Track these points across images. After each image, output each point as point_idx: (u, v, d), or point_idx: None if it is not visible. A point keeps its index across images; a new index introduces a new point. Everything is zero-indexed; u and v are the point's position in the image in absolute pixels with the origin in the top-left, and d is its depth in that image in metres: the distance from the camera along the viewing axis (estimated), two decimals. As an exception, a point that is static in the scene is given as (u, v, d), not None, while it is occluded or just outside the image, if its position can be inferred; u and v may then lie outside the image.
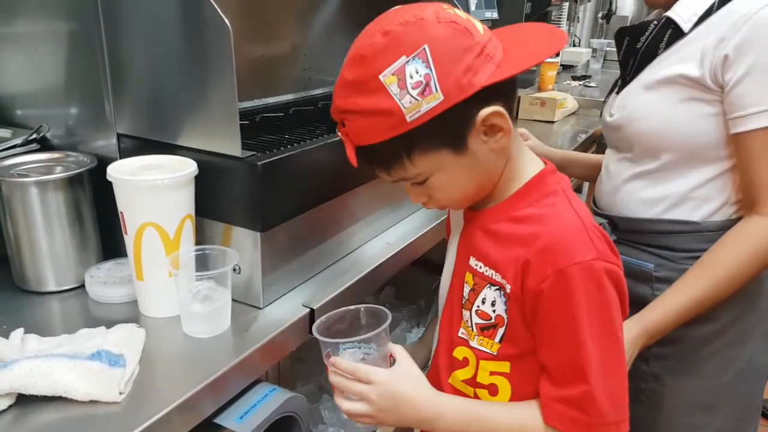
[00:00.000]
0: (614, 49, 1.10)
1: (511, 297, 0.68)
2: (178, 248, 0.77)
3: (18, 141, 0.91)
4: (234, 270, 0.82)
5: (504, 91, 0.65)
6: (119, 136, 0.87)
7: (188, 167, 0.77)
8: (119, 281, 0.85)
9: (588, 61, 3.58)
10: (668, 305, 0.92)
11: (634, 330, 0.91)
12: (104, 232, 0.91)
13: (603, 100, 1.18)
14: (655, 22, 0.95)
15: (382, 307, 0.75)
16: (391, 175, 0.69)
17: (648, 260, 1.00)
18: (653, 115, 0.95)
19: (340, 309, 0.77)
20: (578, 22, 4.07)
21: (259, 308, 0.84)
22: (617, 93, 1.05)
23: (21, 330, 0.72)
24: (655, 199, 0.99)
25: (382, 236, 1.10)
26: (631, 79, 1.00)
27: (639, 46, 0.98)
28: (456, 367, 0.76)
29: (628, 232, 1.03)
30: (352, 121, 0.64)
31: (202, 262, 0.79)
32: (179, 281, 0.76)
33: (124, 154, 0.88)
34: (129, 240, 0.77)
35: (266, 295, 0.85)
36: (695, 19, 0.90)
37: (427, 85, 0.60)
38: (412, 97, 0.60)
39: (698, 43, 0.89)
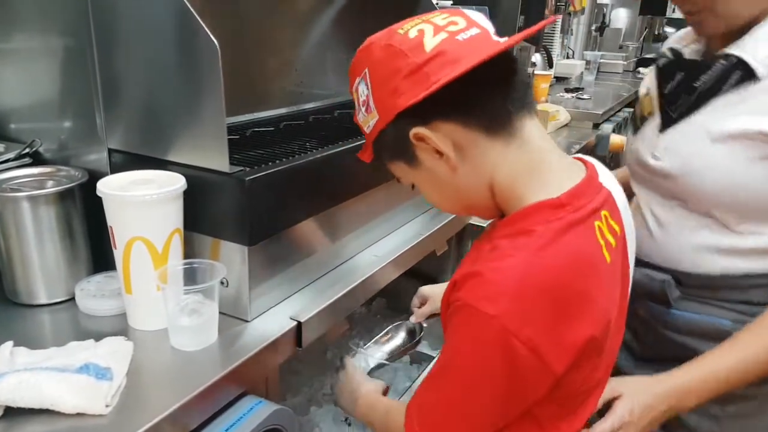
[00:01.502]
0: (610, 61, 1.11)
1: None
2: (167, 262, 0.79)
3: (11, 155, 0.92)
4: (222, 283, 0.83)
5: (454, 108, 0.63)
6: (110, 150, 0.89)
7: (177, 182, 0.78)
8: (109, 294, 0.86)
9: (581, 73, 3.62)
10: (712, 366, 0.82)
11: (660, 386, 0.82)
12: (94, 245, 0.92)
13: (632, 131, 1.04)
14: (723, 63, 0.84)
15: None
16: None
17: (723, 316, 0.90)
18: (723, 172, 0.84)
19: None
20: (572, 34, 4.11)
21: (247, 321, 0.85)
22: (660, 131, 0.93)
23: (10, 343, 0.73)
24: (732, 252, 0.88)
25: (371, 249, 1.11)
26: (680, 119, 0.89)
27: (697, 84, 0.86)
28: None
29: (697, 288, 0.93)
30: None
31: (190, 276, 0.81)
32: (167, 295, 0.78)
33: (114, 168, 0.89)
34: (118, 254, 0.78)
35: (254, 308, 0.86)
36: None
37: (368, 104, 0.66)
38: (362, 113, 0.68)
39: None
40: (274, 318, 0.87)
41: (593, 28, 4.45)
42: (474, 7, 2.02)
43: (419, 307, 1.15)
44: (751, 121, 0.80)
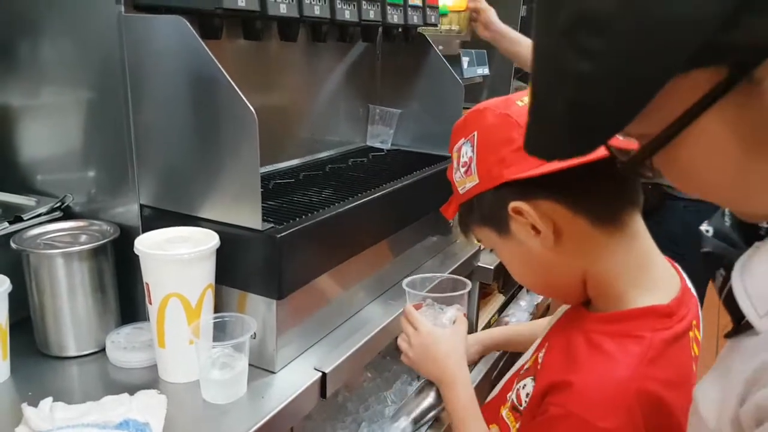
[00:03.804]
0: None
1: (534, 392, 0.67)
2: (200, 317, 0.81)
3: (43, 210, 0.95)
4: (251, 336, 0.86)
5: (563, 191, 0.62)
6: (141, 206, 0.92)
7: (211, 240, 0.81)
8: (139, 346, 0.88)
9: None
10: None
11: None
12: (123, 297, 0.95)
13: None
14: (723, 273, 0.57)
15: (463, 279, 0.96)
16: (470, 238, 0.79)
17: None
18: None
19: (428, 275, 1.00)
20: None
21: (273, 372, 0.88)
22: None
23: (49, 399, 0.75)
24: None
25: (386, 295, 1.14)
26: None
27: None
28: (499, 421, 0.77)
29: None
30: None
31: (220, 328, 0.83)
32: (199, 348, 0.80)
33: (145, 222, 0.92)
34: (153, 309, 0.81)
35: (279, 359, 0.88)
36: None
37: (469, 167, 0.68)
38: (461, 174, 0.70)
39: None
40: (298, 368, 0.90)
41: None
42: (474, 51, 2.08)
43: None
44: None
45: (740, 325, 0.42)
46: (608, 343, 0.61)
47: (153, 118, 0.88)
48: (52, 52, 0.94)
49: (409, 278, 0.95)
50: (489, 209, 0.68)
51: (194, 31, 0.79)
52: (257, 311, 0.87)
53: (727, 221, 0.47)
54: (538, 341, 0.78)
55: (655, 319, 0.62)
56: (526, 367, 0.75)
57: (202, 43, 0.79)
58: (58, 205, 0.97)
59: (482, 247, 0.78)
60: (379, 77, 1.49)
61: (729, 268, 0.42)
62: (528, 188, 0.63)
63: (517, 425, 0.71)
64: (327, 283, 0.98)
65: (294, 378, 0.87)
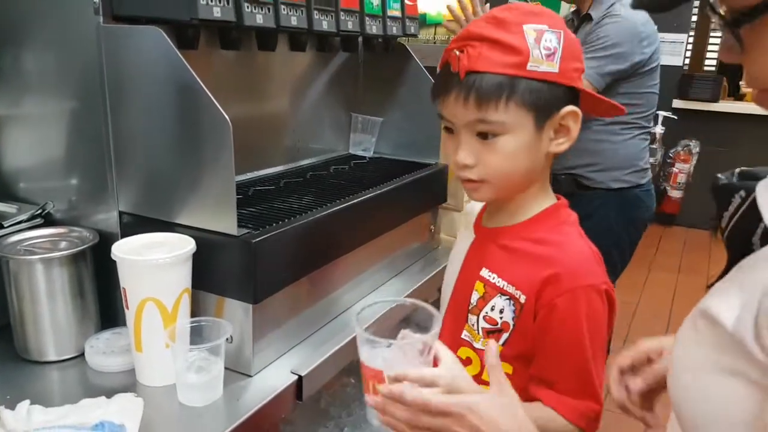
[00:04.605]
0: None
1: (525, 307, 0.77)
2: (176, 321, 0.83)
3: (24, 217, 0.97)
4: (227, 340, 0.87)
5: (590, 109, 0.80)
6: (120, 213, 0.94)
7: (187, 245, 0.83)
8: (118, 351, 0.90)
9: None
10: None
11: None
12: (102, 302, 0.96)
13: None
14: (743, 194, 0.54)
15: (427, 306, 0.70)
16: (480, 109, 0.73)
17: None
18: None
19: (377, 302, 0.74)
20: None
21: (250, 376, 0.89)
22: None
23: (27, 402, 0.76)
24: None
25: (365, 300, 1.16)
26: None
27: (723, 224, 0.60)
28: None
29: None
30: (478, 48, 0.73)
31: (197, 333, 0.85)
32: (176, 352, 0.82)
33: (124, 229, 0.94)
34: (130, 314, 0.82)
35: (256, 363, 0.90)
36: None
37: (553, 54, 0.73)
38: (541, 53, 0.72)
39: None
40: (275, 372, 0.91)
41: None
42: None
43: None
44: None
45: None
46: (553, 234, 0.79)
47: (132, 127, 0.90)
48: (33, 62, 0.96)
49: (358, 313, 0.71)
50: (547, 99, 0.74)
51: (171, 42, 0.82)
52: (234, 316, 0.88)
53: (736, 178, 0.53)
54: (453, 282, 0.88)
55: (564, 209, 0.83)
56: (473, 301, 0.82)
57: (178, 54, 0.81)
58: (39, 212, 0.98)
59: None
60: (361, 86, 1.51)
61: (749, 191, 0.46)
62: (577, 101, 0.77)
63: (501, 342, 0.79)
64: (305, 287, 0.99)
65: (270, 381, 0.89)
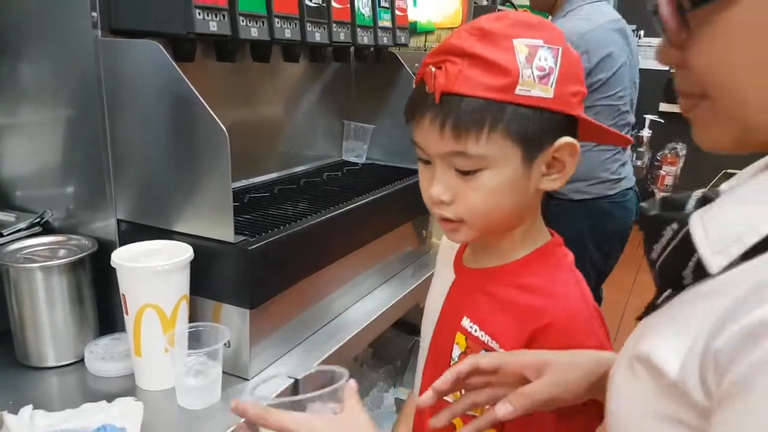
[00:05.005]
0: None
1: None
2: (175, 326, 0.85)
3: (23, 225, 0.98)
4: (225, 345, 0.89)
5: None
6: (118, 221, 0.96)
7: (185, 252, 0.85)
8: (117, 356, 0.92)
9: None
10: None
11: None
12: (101, 309, 0.98)
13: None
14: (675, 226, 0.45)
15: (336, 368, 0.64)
16: (458, 140, 0.62)
17: None
18: None
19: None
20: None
21: (247, 379, 0.92)
22: None
23: (29, 407, 0.78)
24: None
25: (359, 304, 1.19)
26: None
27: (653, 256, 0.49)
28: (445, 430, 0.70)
29: None
30: (459, 65, 0.61)
31: (195, 337, 0.87)
32: (175, 357, 0.84)
33: (122, 236, 0.96)
34: (129, 320, 0.84)
35: (253, 367, 0.92)
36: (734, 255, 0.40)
37: (548, 75, 0.61)
38: (533, 74, 0.60)
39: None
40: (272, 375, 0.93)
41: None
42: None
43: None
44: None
45: (687, 279, 0.42)
46: (543, 279, 0.68)
47: (130, 137, 0.92)
48: (31, 73, 0.98)
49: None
50: (538, 129, 0.62)
51: (168, 55, 0.84)
52: (232, 321, 0.91)
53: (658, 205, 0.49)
54: (431, 331, 0.78)
55: (559, 249, 0.72)
56: (455, 357, 0.73)
57: (175, 66, 0.83)
58: (38, 220, 1.00)
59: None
60: (353, 95, 1.54)
61: (682, 224, 0.43)
62: (575, 130, 0.65)
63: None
64: (300, 292, 1.02)
65: (267, 385, 0.91)
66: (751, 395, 0.34)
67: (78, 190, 0.99)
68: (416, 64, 1.52)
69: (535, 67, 0.61)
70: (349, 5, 1.17)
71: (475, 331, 0.71)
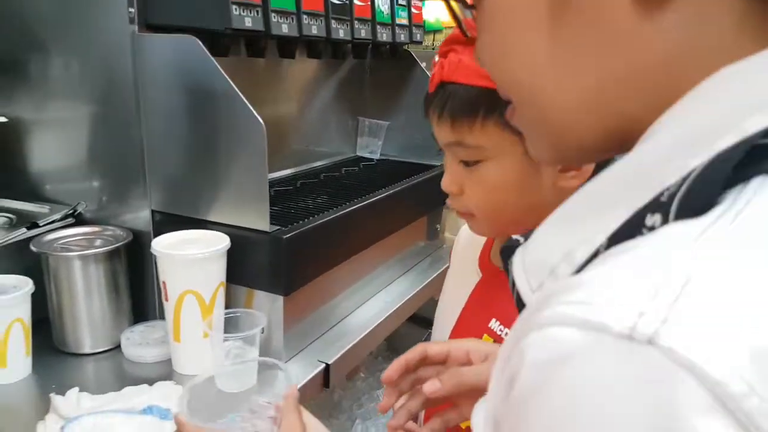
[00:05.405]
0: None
1: None
2: (213, 312, 0.88)
3: (57, 216, 1.01)
4: (261, 331, 0.92)
5: None
6: (153, 211, 0.98)
7: (223, 241, 0.88)
8: (152, 342, 0.94)
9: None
10: None
11: None
12: (134, 297, 1.00)
13: None
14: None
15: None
16: (454, 130, 0.62)
17: None
18: None
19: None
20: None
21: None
22: None
23: (76, 389, 0.81)
24: None
25: (380, 295, 1.22)
26: None
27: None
28: None
29: None
30: (459, 54, 0.60)
31: (232, 323, 0.90)
32: (213, 341, 0.86)
33: (156, 227, 0.98)
34: (169, 306, 0.87)
35: (286, 352, 0.95)
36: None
37: None
38: None
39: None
40: (303, 360, 0.96)
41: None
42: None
43: None
44: None
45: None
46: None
47: (165, 130, 0.94)
48: (67, 68, 1.00)
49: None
50: None
51: (206, 50, 0.87)
52: (263, 307, 0.94)
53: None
54: (450, 329, 0.74)
55: None
56: None
57: (214, 61, 0.86)
58: (71, 211, 1.02)
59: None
60: (367, 91, 1.57)
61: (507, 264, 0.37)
62: None
63: None
64: (327, 281, 1.05)
65: (299, 369, 0.94)
66: None
67: (112, 182, 1.02)
68: (423, 64, 1.56)
69: None
70: (369, 2, 1.20)
71: (506, 334, 0.68)
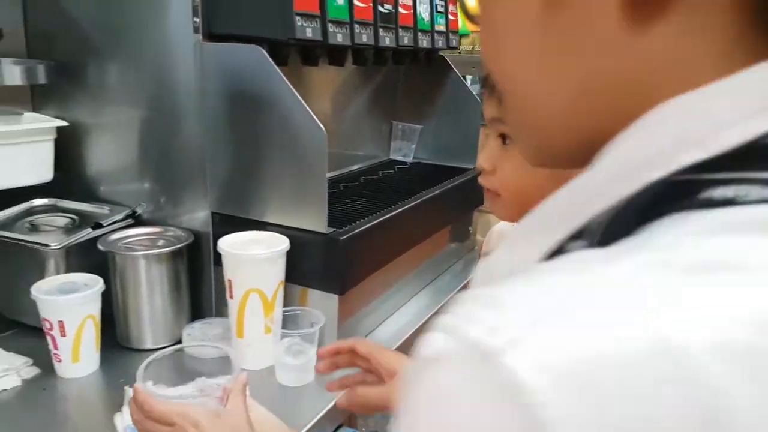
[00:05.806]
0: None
1: None
2: (274, 309, 0.92)
3: (119, 217, 1.05)
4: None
5: None
6: (212, 213, 1.03)
7: (284, 242, 0.92)
8: (212, 339, 0.98)
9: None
10: None
11: None
12: (192, 295, 1.05)
13: None
14: None
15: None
16: (501, 106, 0.62)
17: None
18: None
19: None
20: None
21: (334, 360, 0.98)
22: None
23: (150, 381, 0.84)
24: None
25: (420, 295, 1.26)
26: None
27: None
28: None
29: None
30: None
31: (291, 320, 0.94)
32: (275, 338, 0.90)
33: (215, 228, 1.02)
34: (234, 303, 0.91)
35: (339, 349, 0.99)
36: None
37: None
38: None
39: None
40: (355, 357, 1.00)
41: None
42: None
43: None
44: None
45: None
46: None
47: (226, 136, 0.98)
48: (130, 74, 1.04)
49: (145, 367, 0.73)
50: None
51: (270, 59, 0.91)
52: (316, 305, 0.98)
53: None
54: None
55: None
56: None
57: (278, 70, 0.90)
58: (131, 213, 1.07)
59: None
60: (400, 96, 1.61)
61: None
62: None
63: None
64: (373, 281, 1.09)
65: (353, 365, 0.98)
66: None
67: (173, 184, 1.06)
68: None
69: None
70: (412, 10, 1.24)
71: None
